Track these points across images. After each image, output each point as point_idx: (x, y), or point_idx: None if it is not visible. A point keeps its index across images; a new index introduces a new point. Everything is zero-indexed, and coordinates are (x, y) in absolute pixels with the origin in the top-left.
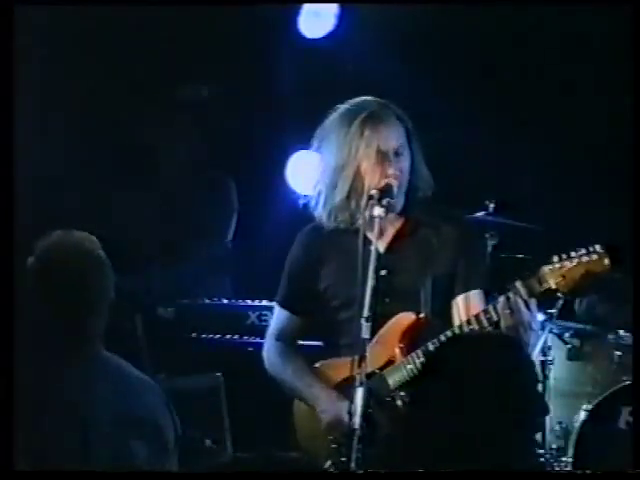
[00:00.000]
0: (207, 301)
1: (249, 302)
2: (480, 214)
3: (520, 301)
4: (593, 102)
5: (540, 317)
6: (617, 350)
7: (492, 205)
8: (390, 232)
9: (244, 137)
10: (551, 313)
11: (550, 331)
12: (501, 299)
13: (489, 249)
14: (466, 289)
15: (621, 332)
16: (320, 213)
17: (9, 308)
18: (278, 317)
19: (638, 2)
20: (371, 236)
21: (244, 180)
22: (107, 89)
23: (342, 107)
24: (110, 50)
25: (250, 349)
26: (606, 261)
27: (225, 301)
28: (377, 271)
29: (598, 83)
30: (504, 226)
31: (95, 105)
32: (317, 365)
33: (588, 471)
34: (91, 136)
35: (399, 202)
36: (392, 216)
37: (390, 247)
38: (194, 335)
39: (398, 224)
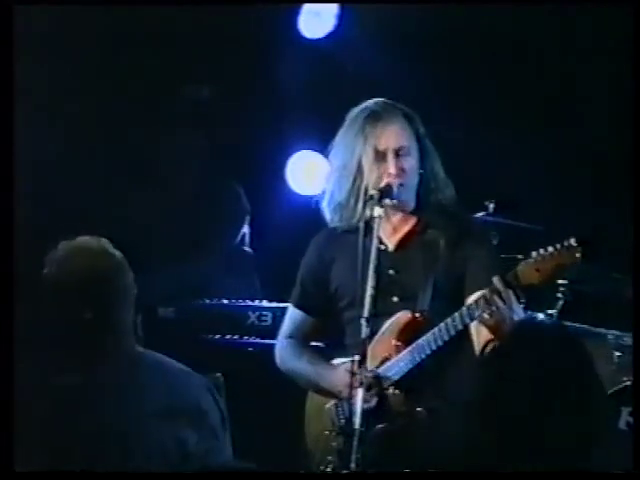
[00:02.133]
0: (207, 301)
1: (249, 302)
2: (480, 214)
3: (496, 297)
4: (593, 102)
5: (540, 318)
6: (617, 350)
7: (492, 205)
8: (401, 231)
9: (244, 137)
10: (551, 314)
11: None
12: (478, 294)
13: None
14: (476, 290)
15: (621, 332)
16: (326, 211)
17: (9, 309)
18: (292, 317)
19: (638, 2)
20: (376, 236)
21: (242, 181)
22: (108, 89)
23: (353, 111)
24: (111, 50)
25: (250, 349)
26: (577, 254)
27: (225, 301)
28: (380, 270)
29: (598, 83)
30: (504, 226)
31: (96, 105)
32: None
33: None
34: (92, 136)
35: (410, 202)
36: (403, 215)
37: (399, 246)
38: (194, 335)
39: (410, 224)
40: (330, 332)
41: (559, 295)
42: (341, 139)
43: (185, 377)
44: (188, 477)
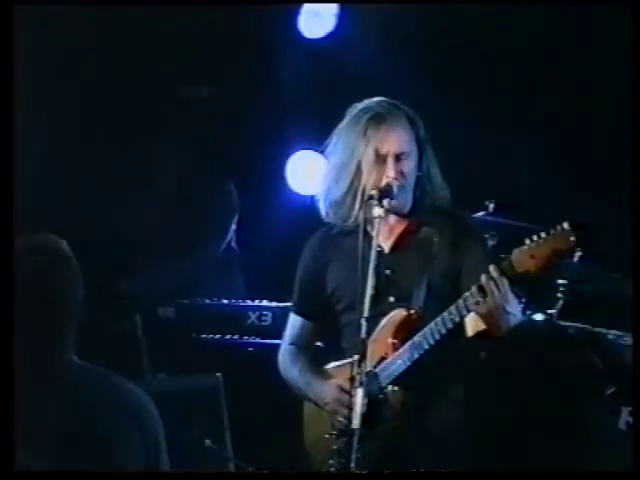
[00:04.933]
0: (207, 301)
1: (249, 302)
2: (480, 214)
3: (493, 285)
4: (593, 102)
5: (540, 317)
6: None
7: (492, 205)
8: (396, 232)
9: (244, 137)
10: (551, 314)
11: None
12: (474, 286)
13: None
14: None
15: (621, 332)
16: (323, 208)
17: (8, 308)
18: (293, 323)
19: (638, 2)
20: (375, 236)
21: (242, 180)
22: (107, 89)
23: (356, 108)
24: (110, 50)
25: (250, 349)
26: (571, 238)
27: (225, 301)
28: (377, 271)
29: (598, 83)
30: (504, 226)
31: (95, 105)
32: (328, 366)
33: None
34: (91, 136)
35: (407, 204)
36: (399, 217)
37: (395, 247)
38: (194, 335)
39: (404, 224)
40: (329, 335)
41: (559, 295)
42: (341, 137)
43: (122, 394)
44: (188, 477)
